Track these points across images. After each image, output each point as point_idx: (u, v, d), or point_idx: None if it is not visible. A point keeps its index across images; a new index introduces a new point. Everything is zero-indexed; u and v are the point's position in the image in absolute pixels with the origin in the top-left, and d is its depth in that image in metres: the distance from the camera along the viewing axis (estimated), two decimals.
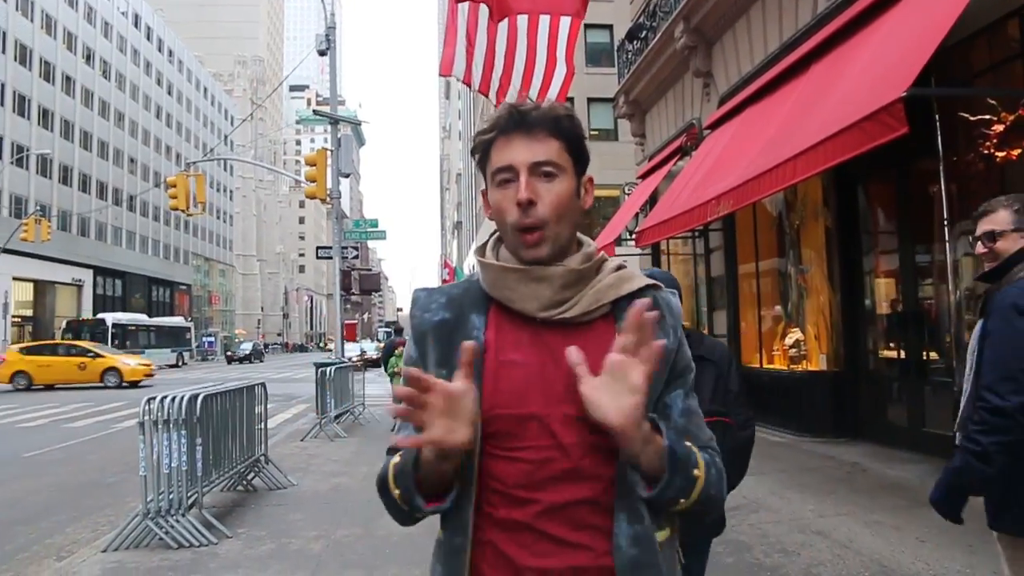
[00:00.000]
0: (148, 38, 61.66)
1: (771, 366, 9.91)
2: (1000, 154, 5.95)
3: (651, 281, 1.27)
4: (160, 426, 5.30)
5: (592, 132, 33.59)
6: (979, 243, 2.52)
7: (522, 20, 11.25)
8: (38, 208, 42.66)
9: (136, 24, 59.17)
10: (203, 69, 78.13)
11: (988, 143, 6.10)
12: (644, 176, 13.71)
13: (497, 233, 1.29)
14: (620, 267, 1.27)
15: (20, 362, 23.87)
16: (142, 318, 42.45)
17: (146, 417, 5.28)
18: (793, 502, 5.85)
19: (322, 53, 15.21)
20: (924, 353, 7.50)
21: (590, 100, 33.79)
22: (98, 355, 24.22)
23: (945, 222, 6.39)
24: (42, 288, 45.07)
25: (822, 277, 9.04)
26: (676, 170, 11.70)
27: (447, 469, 1.13)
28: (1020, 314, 2.22)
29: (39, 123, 44.64)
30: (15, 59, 42.51)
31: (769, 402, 9.44)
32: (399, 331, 15.04)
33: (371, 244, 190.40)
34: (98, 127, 51.86)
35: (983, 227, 2.51)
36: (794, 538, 4.72)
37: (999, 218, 2.48)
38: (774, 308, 10.12)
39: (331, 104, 15.59)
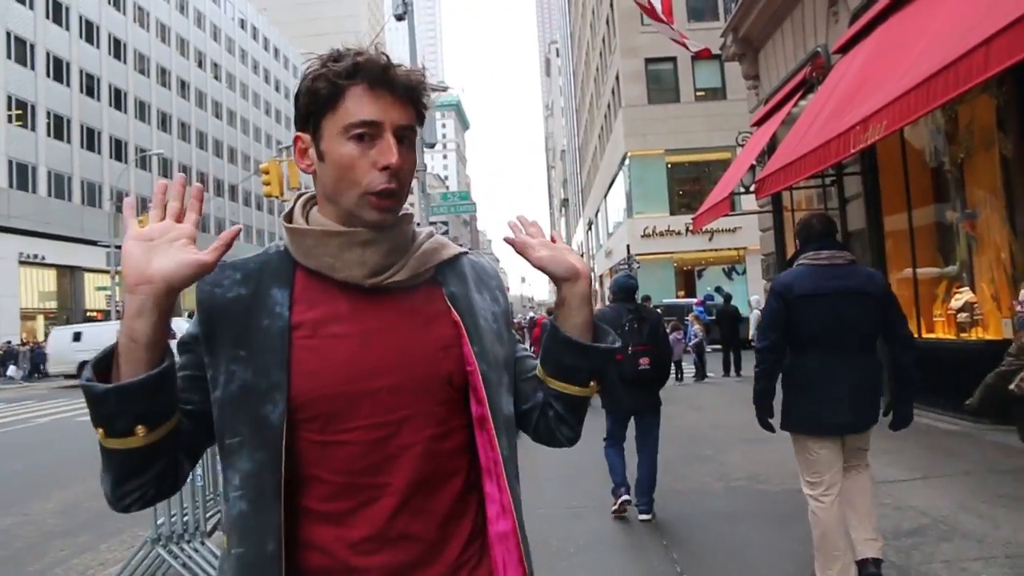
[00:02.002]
0: (255, 38, 63.59)
1: (932, 335, 8.07)
2: None
3: (460, 247, 1.27)
4: None
5: (698, 92, 31.31)
6: None
7: None
8: None
9: (243, 26, 61.07)
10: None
11: None
12: (759, 123, 11.91)
13: (304, 196, 1.21)
14: (431, 232, 1.24)
15: None
16: None
17: None
18: (999, 524, 4.25)
19: (399, 18, 14.27)
20: None
21: (694, 58, 31.35)
22: None
23: None
24: None
25: (1000, 222, 7.13)
26: (797, 112, 9.91)
27: (136, 330, 0.96)
28: (773, 293, 3.55)
29: (159, 126, 46.77)
30: (135, 68, 44.63)
31: (931, 379, 7.64)
32: None
33: (480, 227, 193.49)
34: (212, 127, 53.92)
35: None
36: None
37: None
38: (934, 265, 8.24)
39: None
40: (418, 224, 1.23)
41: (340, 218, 1.12)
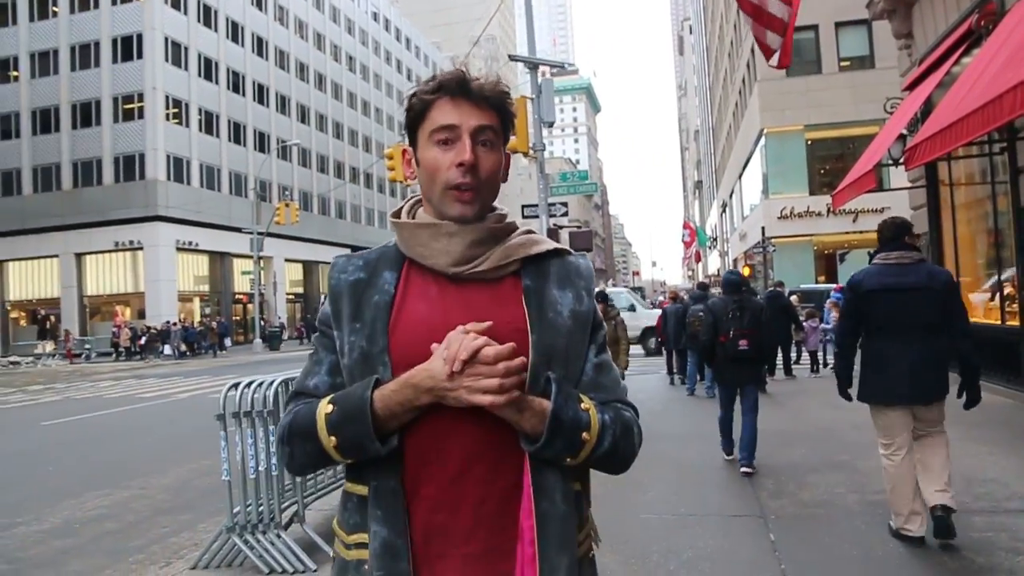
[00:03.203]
0: (387, 30, 65.40)
1: None
2: None
3: (559, 245, 1.35)
4: (243, 419, 4.22)
5: (843, 62, 28.87)
6: None
7: None
8: (300, 195, 47.25)
9: (375, 19, 62.94)
10: (440, 53, 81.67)
11: None
12: (912, 86, 10.55)
13: (414, 199, 1.38)
14: (530, 231, 1.36)
15: None
16: None
17: (226, 408, 4.23)
18: None
19: None
20: None
21: (838, 25, 28.94)
22: None
23: None
24: (309, 268, 49.96)
25: None
26: (959, 71, 8.62)
27: (408, 418, 1.20)
28: (848, 288, 4.37)
29: (298, 118, 49.12)
30: (276, 64, 47.06)
31: None
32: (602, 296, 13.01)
33: (612, 211, 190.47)
34: (347, 116, 56.02)
35: None
36: None
37: None
38: None
39: (529, 47, 14.21)
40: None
41: (435, 216, 1.29)
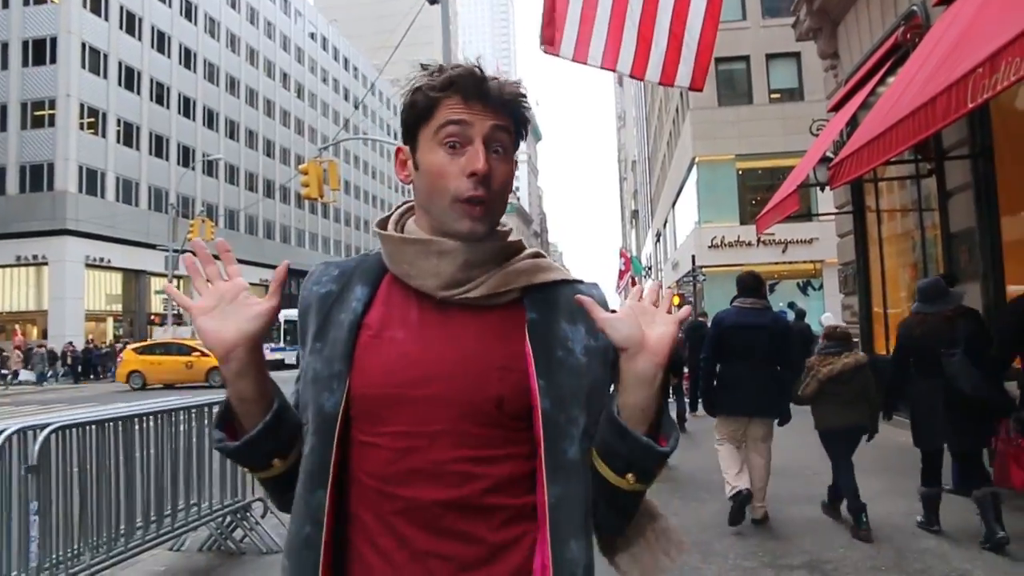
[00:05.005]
0: (324, 49, 64.19)
1: None
2: None
3: (570, 276, 1.19)
4: None
5: (772, 94, 29.15)
6: None
7: None
8: (227, 213, 45.39)
9: (313, 37, 61.68)
10: (380, 76, 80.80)
11: None
12: (838, 107, 10.13)
13: (405, 206, 1.22)
14: (538, 255, 1.20)
15: (135, 362, 23.72)
16: None
17: None
18: None
19: (432, 1, 13.10)
20: None
21: (768, 56, 29.27)
22: (204, 354, 22.58)
23: None
24: None
25: None
26: (883, 91, 8.17)
27: (242, 391, 1.07)
28: (712, 324, 5.76)
29: (226, 134, 47.34)
30: (204, 77, 45.31)
31: None
32: None
33: (552, 239, 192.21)
34: (280, 135, 54.44)
35: None
36: None
37: None
38: None
39: (444, 60, 13.43)
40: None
41: (433, 229, 1.12)
